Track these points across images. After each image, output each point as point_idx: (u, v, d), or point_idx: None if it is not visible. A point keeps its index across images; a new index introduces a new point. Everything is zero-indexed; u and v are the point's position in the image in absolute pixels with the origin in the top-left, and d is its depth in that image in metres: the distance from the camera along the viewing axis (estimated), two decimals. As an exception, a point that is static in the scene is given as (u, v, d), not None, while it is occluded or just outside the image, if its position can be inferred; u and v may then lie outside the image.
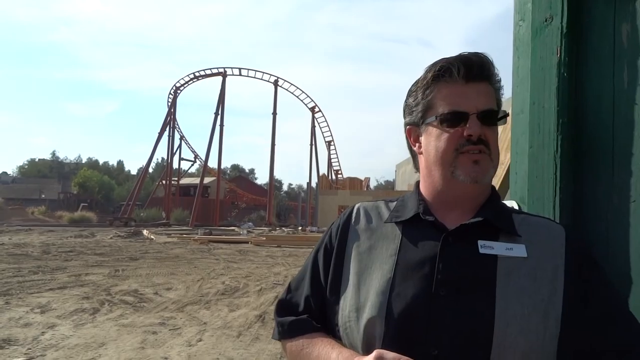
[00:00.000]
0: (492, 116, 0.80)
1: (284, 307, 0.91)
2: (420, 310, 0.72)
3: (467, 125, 0.78)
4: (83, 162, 76.38)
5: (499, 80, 0.83)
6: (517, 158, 0.99)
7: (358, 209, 0.91)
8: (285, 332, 0.87)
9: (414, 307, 0.73)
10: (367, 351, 0.73)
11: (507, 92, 0.89)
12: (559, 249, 0.75)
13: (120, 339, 4.67)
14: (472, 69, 0.79)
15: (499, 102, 0.83)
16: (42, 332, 4.82)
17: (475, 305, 0.70)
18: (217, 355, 4.19)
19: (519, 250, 0.75)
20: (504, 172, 1.15)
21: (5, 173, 74.03)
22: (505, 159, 1.04)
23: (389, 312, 0.74)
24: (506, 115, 0.82)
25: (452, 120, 0.79)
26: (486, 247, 0.75)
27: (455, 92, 0.80)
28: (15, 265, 9.76)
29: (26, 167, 75.59)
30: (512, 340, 0.68)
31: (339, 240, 0.87)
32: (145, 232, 21.66)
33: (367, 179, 47.36)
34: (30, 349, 4.27)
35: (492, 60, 0.81)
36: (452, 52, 0.86)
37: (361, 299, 0.78)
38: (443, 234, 0.77)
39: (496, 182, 1.21)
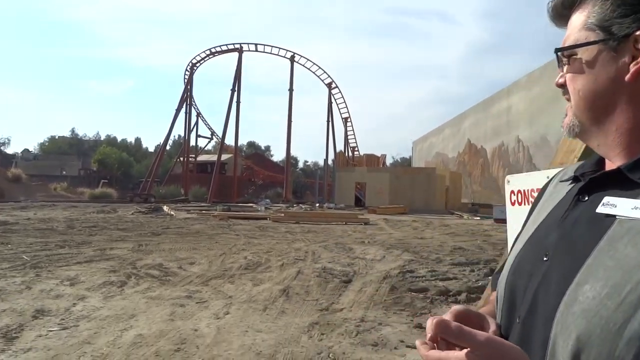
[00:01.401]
0: (559, 58, 0.68)
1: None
2: (525, 274, 0.66)
3: None
4: (102, 139, 77.38)
5: None
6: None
7: (560, 171, 0.82)
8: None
9: (523, 270, 0.67)
10: (499, 309, 0.71)
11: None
12: None
13: (150, 311, 4.74)
14: (556, 5, 0.69)
15: (593, 18, 0.64)
16: (74, 304, 4.92)
17: (563, 272, 0.59)
18: (246, 328, 4.23)
19: None
20: None
21: (27, 150, 75.45)
22: None
23: (509, 274, 0.70)
24: (562, 50, 0.67)
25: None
26: (608, 205, 0.60)
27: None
28: (42, 239, 9.98)
29: (47, 144, 76.89)
30: (574, 321, 0.54)
31: (535, 200, 0.84)
32: (165, 208, 21.95)
33: (384, 156, 47.14)
34: (63, 319, 4.37)
35: None
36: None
37: (509, 259, 0.75)
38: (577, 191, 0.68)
39: (581, 143, 1.08)
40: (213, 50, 38.62)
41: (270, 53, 38.36)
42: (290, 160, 41.12)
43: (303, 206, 28.68)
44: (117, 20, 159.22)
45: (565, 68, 0.68)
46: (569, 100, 0.69)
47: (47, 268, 6.80)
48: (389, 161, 55.99)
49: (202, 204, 28.59)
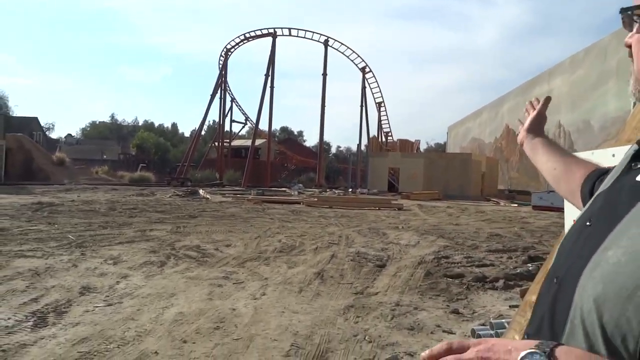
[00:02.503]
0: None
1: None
2: (572, 239, 0.68)
3: None
4: (140, 124, 79.34)
5: None
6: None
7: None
8: None
9: (572, 235, 0.70)
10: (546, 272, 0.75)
11: None
12: None
13: (189, 290, 4.88)
14: None
15: None
16: (117, 282, 5.11)
17: (595, 238, 0.61)
18: (282, 309, 4.29)
19: None
20: None
21: (70, 135, 78.33)
22: None
23: (563, 240, 0.73)
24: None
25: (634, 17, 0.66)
26: None
27: None
28: (86, 220, 10.40)
29: (88, 129, 79.56)
30: (593, 285, 0.56)
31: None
32: (201, 191, 22.42)
33: (418, 142, 46.47)
34: (108, 296, 4.55)
35: None
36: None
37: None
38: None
39: None
40: (247, 35, 38.79)
41: (304, 37, 38.21)
42: (323, 145, 41.11)
43: (336, 191, 28.72)
44: (153, 9, 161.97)
45: (636, 27, 0.64)
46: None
47: (92, 247, 7.08)
48: (423, 147, 55.19)
49: (237, 188, 29.05)
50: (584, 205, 0.92)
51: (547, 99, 1.16)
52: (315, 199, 18.96)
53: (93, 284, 4.99)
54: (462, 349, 0.58)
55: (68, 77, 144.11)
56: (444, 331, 3.88)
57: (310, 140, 77.69)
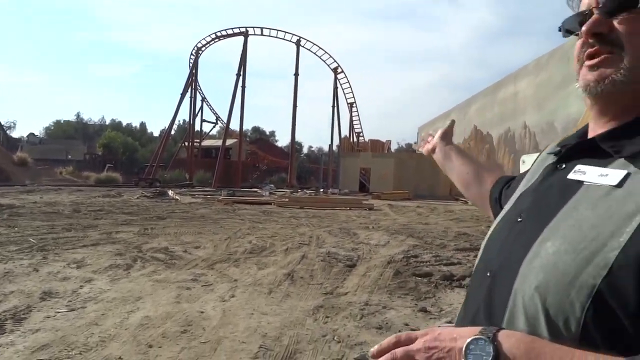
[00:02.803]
0: (624, 2, 0.62)
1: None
2: (502, 234, 0.72)
3: None
4: (107, 123, 77.43)
5: None
6: None
7: (550, 145, 0.87)
8: None
9: (500, 232, 0.74)
10: (475, 267, 0.79)
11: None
12: None
13: (156, 293, 4.78)
14: None
15: None
16: (81, 286, 4.97)
17: (530, 232, 0.64)
18: (251, 311, 4.26)
19: (613, 177, 0.59)
20: None
21: (32, 134, 75.61)
22: None
23: (489, 236, 0.78)
24: None
25: (575, 24, 0.68)
26: (579, 172, 0.65)
27: None
28: (48, 222, 10.05)
29: (52, 128, 77.03)
30: (534, 273, 0.58)
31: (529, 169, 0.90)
32: (170, 192, 22.03)
33: (389, 142, 46.89)
34: (70, 301, 4.42)
35: None
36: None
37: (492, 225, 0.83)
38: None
39: None
40: (218, 34, 38.36)
41: (276, 37, 38.05)
42: (295, 145, 41.06)
43: (307, 191, 28.73)
44: (122, 3, 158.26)
45: (625, 18, 0.62)
46: (597, 54, 0.64)
47: (54, 251, 6.86)
48: (394, 147, 55.82)
49: (207, 189, 28.68)
50: (491, 207, 1.05)
51: (453, 122, 1.34)
52: (287, 200, 18.90)
53: (55, 288, 4.83)
54: (410, 341, 0.60)
55: (30, 73, 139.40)
56: (412, 329, 3.93)
57: (282, 140, 77.56)
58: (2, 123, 59.39)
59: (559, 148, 0.75)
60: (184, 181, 33.88)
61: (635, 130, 0.63)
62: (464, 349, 0.55)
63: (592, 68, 0.65)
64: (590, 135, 0.70)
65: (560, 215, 0.62)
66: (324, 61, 40.01)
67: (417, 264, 6.66)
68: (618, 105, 0.65)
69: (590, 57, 0.65)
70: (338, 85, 41.01)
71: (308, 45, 38.39)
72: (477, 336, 0.56)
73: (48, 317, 3.93)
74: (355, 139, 43.41)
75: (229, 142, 40.49)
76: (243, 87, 36.18)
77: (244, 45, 36.33)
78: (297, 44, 37.74)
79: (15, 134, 68.46)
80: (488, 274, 0.69)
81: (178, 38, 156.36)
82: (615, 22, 0.63)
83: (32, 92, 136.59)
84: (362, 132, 44.32)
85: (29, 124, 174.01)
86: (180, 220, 11.55)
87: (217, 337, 3.57)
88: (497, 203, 1.02)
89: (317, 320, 4.08)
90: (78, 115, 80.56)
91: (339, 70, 40.61)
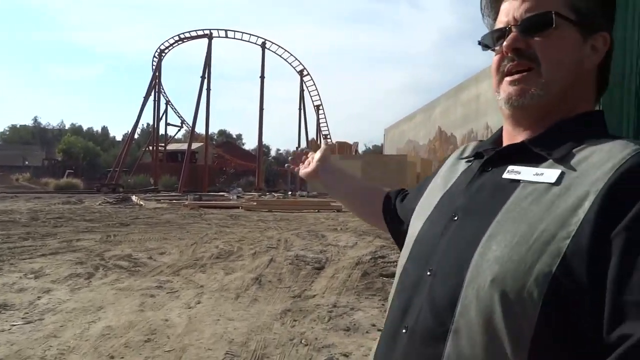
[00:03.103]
0: (539, 22, 0.68)
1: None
2: (435, 234, 0.73)
3: None
4: (66, 128, 74.90)
5: None
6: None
7: (465, 147, 0.90)
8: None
9: (432, 231, 0.75)
10: (403, 268, 0.80)
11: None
12: (603, 175, 0.59)
13: (119, 302, 4.65)
14: None
15: (577, 2, 0.69)
16: (38, 297, 4.78)
17: (473, 229, 0.67)
18: (217, 317, 4.20)
19: (549, 175, 0.64)
20: None
21: (-14, 140, 72.33)
22: None
23: (418, 234, 0.79)
24: (549, 15, 0.67)
25: (494, 40, 0.73)
26: (513, 172, 0.68)
27: (503, 8, 0.73)
28: (3, 231, 9.62)
29: (7, 133, 73.90)
30: (489, 266, 0.61)
31: (436, 171, 0.93)
32: (134, 198, 21.49)
33: (356, 144, 47.25)
34: (27, 313, 4.24)
35: None
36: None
37: (415, 223, 0.83)
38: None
39: None
40: (182, 36, 37.72)
41: (241, 39, 37.74)
42: (262, 148, 40.83)
43: (275, 194, 28.59)
44: (81, 3, 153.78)
45: (541, 36, 0.68)
46: (516, 70, 0.70)
47: (10, 261, 6.56)
48: (361, 149, 56.30)
49: (173, 194, 28.11)
50: (387, 222, 1.08)
51: (334, 145, 1.35)
52: (255, 203, 18.77)
53: (10, 300, 4.63)
54: None
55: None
56: (379, 330, 3.96)
57: (250, 143, 77.01)
58: (-47, 128, 56.57)
59: (473, 153, 0.82)
60: (149, 186, 33.11)
61: (558, 135, 0.69)
62: None
63: (513, 82, 0.70)
64: (505, 142, 0.76)
65: (505, 211, 0.65)
66: (290, 64, 40.00)
67: (385, 264, 6.72)
68: (534, 115, 0.71)
69: (511, 72, 0.71)
70: (304, 87, 41.07)
71: (274, 47, 38.29)
72: None
73: (2, 331, 3.75)
74: (322, 141, 43.51)
75: (194, 145, 39.85)
76: (208, 89, 35.71)
77: (208, 48, 35.87)
78: (263, 46, 37.56)
79: (-33, 140, 65.33)
80: (428, 273, 0.70)
81: (140, 40, 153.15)
82: (532, 40, 0.69)
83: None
84: (329, 134, 44.49)
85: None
86: (144, 226, 11.28)
87: (182, 345, 3.50)
88: (394, 216, 1.06)
89: (284, 324, 4.06)
90: (35, 119, 77.85)
91: (305, 72, 40.66)
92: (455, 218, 0.72)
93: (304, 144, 40.23)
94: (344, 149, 42.08)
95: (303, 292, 5.14)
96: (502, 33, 0.71)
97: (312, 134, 43.08)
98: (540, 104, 0.69)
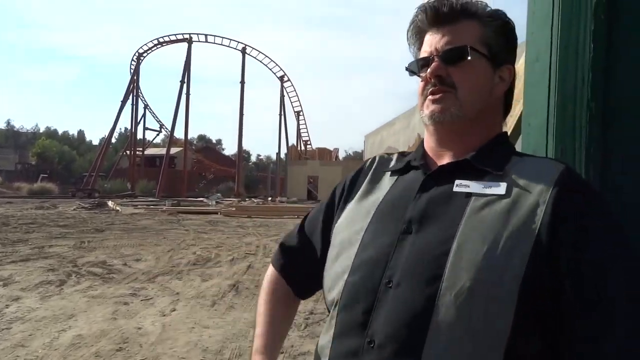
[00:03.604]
0: (456, 54, 0.79)
1: (286, 237, 1.04)
2: (384, 246, 0.74)
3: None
4: (41, 131, 73.22)
5: (491, 15, 0.81)
6: (530, 109, 0.94)
7: (374, 159, 0.92)
8: (272, 260, 1.03)
9: (379, 243, 0.75)
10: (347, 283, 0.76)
11: (521, 37, 0.86)
12: (547, 186, 0.69)
13: (91, 310, 4.54)
14: (436, 12, 0.81)
15: (488, 39, 0.80)
16: (6, 305, 4.64)
17: (437, 239, 0.70)
18: (193, 325, 4.14)
19: (497, 188, 0.72)
20: (514, 124, 1.13)
21: (-44, 143, 70.15)
22: (515, 110, 1.03)
23: (360, 248, 0.77)
24: (464, 49, 0.78)
25: (419, 67, 0.83)
26: (462, 185, 0.74)
27: (427, 39, 0.83)
28: (-28, 237, 9.33)
29: (-21, 136, 71.80)
30: (462, 275, 0.66)
31: (349, 183, 0.91)
32: (110, 203, 21.11)
33: (336, 150, 47.47)
34: (-6, 322, 4.11)
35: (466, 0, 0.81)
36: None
37: (339, 241, 0.82)
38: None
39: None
40: (161, 40, 37.42)
41: (221, 44, 37.63)
42: (242, 154, 40.65)
43: (255, 200, 28.45)
44: (56, 3, 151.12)
45: (458, 66, 0.79)
46: (439, 92, 0.79)
47: (-22, 268, 6.36)
48: (341, 155, 56.44)
49: (150, 199, 27.71)
50: (296, 282, 0.96)
51: None
52: (234, 209, 18.64)
53: (-23, 309, 4.48)
54: None
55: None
56: (355, 336, 3.97)
57: (230, 148, 76.41)
58: None
59: (402, 166, 0.85)
60: (126, 191, 32.58)
61: (494, 151, 0.79)
62: None
63: (435, 101, 0.80)
64: (433, 157, 0.83)
65: (466, 221, 0.70)
66: (270, 69, 40.01)
67: (362, 270, 6.74)
68: (455, 131, 0.80)
69: (433, 93, 0.80)
70: (285, 93, 41.09)
71: (254, 53, 38.26)
72: None
73: (-33, 341, 3.63)
74: (302, 147, 43.56)
75: (173, 150, 39.43)
76: (187, 94, 35.44)
77: (187, 52, 35.65)
78: (243, 51, 37.49)
79: (-64, 143, 63.32)
80: (389, 284, 0.71)
81: (119, 43, 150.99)
82: (451, 69, 0.79)
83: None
84: (309, 140, 44.58)
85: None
86: (120, 232, 11.08)
87: (155, 354, 3.43)
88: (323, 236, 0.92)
89: (261, 331, 4.03)
90: (8, 122, 75.80)
91: (286, 78, 40.72)
92: (410, 229, 0.74)
93: (284, 150, 40.22)
94: (324, 154, 42.20)
95: (280, 299, 5.11)
96: (426, 61, 0.81)
97: (293, 140, 43.11)
98: (459, 122, 0.79)
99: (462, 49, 0.78)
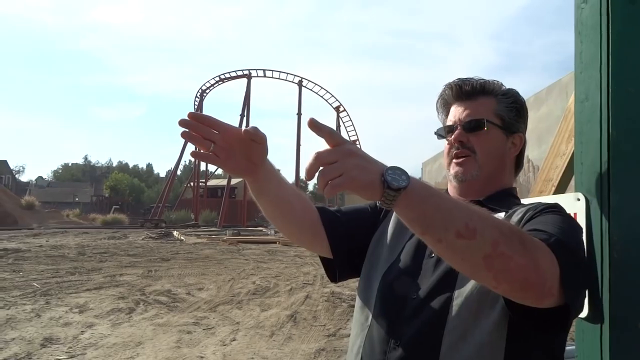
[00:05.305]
0: (475, 125, 0.98)
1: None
2: (413, 267, 0.94)
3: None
4: (114, 165, 78.41)
5: (505, 93, 1.02)
6: (582, 148, 0.94)
7: None
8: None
9: (410, 264, 0.95)
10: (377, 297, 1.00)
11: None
12: (525, 211, 0.88)
13: (157, 338, 4.74)
14: (460, 90, 1.01)
15: (502, 113, 1.00)
16: (82, 332, 4.94)
17: (441, 267, 0.89)
18: (252, 355, 4.21)
19: (500, 214, 0.89)
20: (566, 163, 1.13)
21: (41, 177, 76.64)
22: (567, 149, 1.05)
23: (395, 267, 0.98)
24: (482, 121, 0.98)
25: (445, 132, 1.03)
26: None
27: (452, 111, 1.03)
28: (53, 266, 10.06)
29: (60, 171, 78.11)
30: (469, 284, 0.83)
31: (384, 217, 1.10)
32: (175, 233, 22.03)
33: (393, 178, 46.98)
34: (71, 347, 4.38)
35: (485, 80, 1.02)
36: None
37: (387, 257, 1.02)
38: None
39: (557, 173, 1.19)
40: (222, 77, 39.30)
41: (279, 78, 38.94)
42: (300, 183, 41.24)
43: (313, 229, 28.55)
44: (125, 48, 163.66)
45: (477, 134, 0.98)
46: (461, 156, 0.99)
47: (57, 295, 6.84)
48: (398, 183, 55.84)
49: (212, 229, 28.64)
50: (327, 231, 1.10)
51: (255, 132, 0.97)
52: (292, 238, 18.81)
53: (56, 334, 4.81)
54: (330, 154, 0.70)
55: (39, 118, 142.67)
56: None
57: (288, 178, 77.56)
58: (12, 167, 60.31)
59: None
60: (190, 221, 33.88)
61: (500, 198, 0.98)
62: (385, 169, 0.68)
63: (458, 164, 1.00)
64: None
65: None
66: (326, 100, 40.75)
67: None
68: (474, 188, 0.99)
69: (458, 156, 1.00)
70: (341, 123, 41.57)
71: (310, 85, 39.21)
72: (395, 166, 0.68)
73: (47, 365, 3.89)
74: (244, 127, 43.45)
75: (234, 181, 40.75)
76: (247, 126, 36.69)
77: (247, 87, 37.20)
78: (299, 84, 38.55)
79: (24, 178, 69.49)
80: (414, 296, 0.90)
81: (182, 80, 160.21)
82: (471, 136, 0.99)
83: (40, 137, 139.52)
84: (366, 168, 44.49)
85: (37, 167, 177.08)
86: (184, 261, 11.52)
87: (217, 383, 3.51)
88: (337, 227, 1.10)
89: (319, 363, 4.02)
90: (86, 158, 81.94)
91: (341, 108, 41.27)
92: (433, 256, 0.92)
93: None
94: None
95: (338, 331, 5.08)
96: (451, 129, 1.02)
97: (349, 169, 43.16)
98: (477, 180, 0.99)
99: (480, 121, 0.98)
